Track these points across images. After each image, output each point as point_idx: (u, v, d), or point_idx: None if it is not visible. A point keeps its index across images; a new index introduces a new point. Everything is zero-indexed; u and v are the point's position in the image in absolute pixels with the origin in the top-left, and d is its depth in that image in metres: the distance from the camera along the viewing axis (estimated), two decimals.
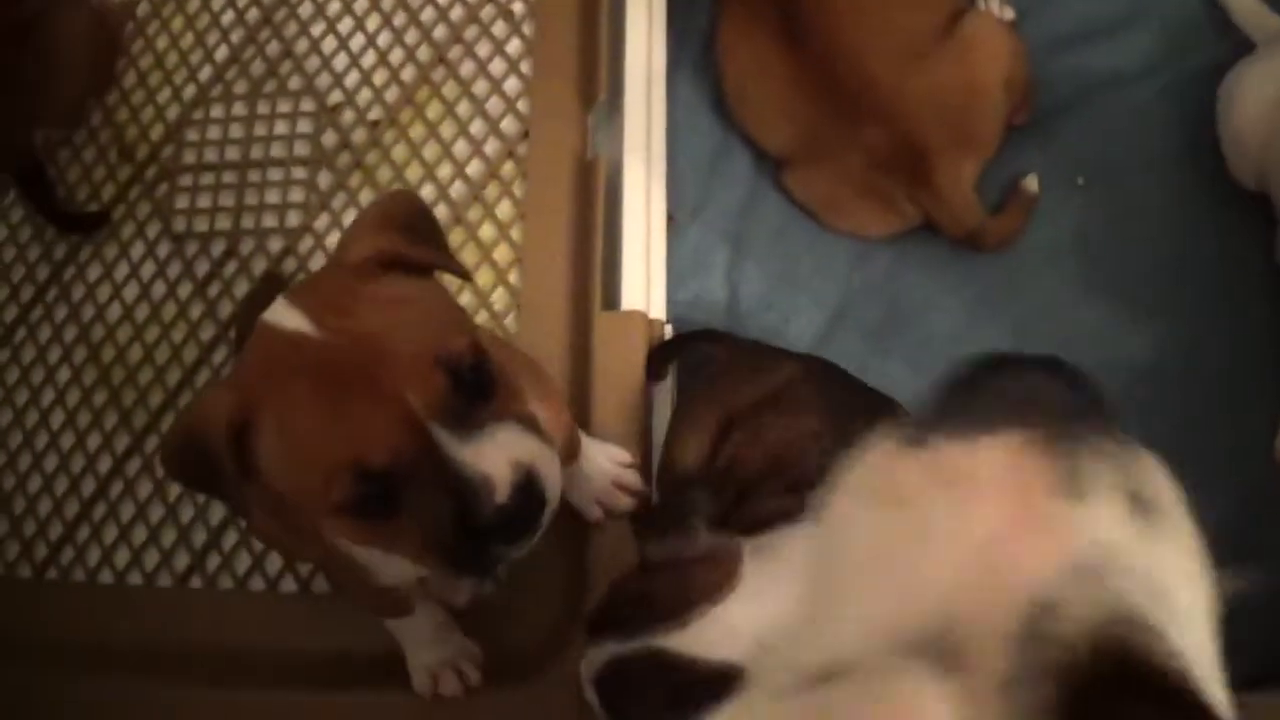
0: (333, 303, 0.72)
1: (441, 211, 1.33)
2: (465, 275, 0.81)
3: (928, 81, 1.26)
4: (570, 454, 1.04)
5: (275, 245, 1.36)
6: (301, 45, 1.43)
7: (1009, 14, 1.42)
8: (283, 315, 0.73)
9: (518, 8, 1.39)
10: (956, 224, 1.30)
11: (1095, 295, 1.33)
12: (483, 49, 1.38)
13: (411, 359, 0.69)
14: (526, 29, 1.38)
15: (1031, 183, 1.35)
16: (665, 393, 1.28)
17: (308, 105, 1.41)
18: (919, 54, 1.27)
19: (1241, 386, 1.27)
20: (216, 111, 1.44)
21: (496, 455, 0.71)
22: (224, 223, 1.39)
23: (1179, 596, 0.36)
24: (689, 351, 1.23)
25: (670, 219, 1.35)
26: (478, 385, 0.72)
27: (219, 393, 0.74)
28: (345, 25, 1.43)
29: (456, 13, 1.40)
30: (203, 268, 1.37)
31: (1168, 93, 1.38)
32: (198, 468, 0.74)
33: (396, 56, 1.40)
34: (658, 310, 1.30)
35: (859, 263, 1.35)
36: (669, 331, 1.30)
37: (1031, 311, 1.33)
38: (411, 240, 0.76)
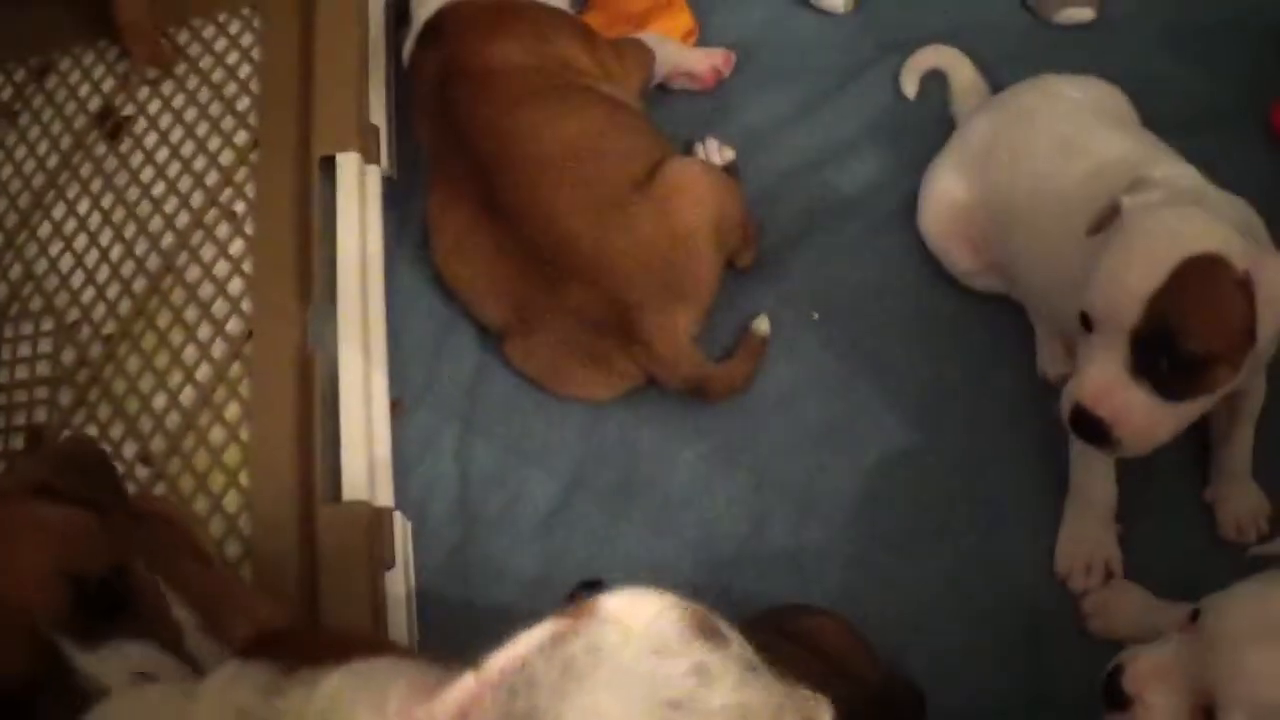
0: None
1: (173, 419, 1.33)
2: (112, 510, 0.86)
3: (628, 235, 1.23)
4: None
5: None
6: (40, 265, 1.46)
7: (728, 154, 1.41)
8: None
9: (239, 207, 1.41)
10: (676, 378, 1.27)
11: (839, 433, 1.29)
12: (207, 252, 1.40)
13: (36, 576, 0.76)
14: (249, 228, 1.39)
15: (761, 324, 1.32)
16: (398, 582, 1.26)
17: (47, 325, 1.43)
18: (618, 207, 1.24)
19: (1000, 504, 1.22)
20: None
21: (120, 667, 0.76)
22: None
23: None
24: None
25: (396, 404, 1.34)
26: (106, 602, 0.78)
27: None
28: (80, 242, 1.46)
29: (182, 219, 1.42)
30: None
31: (898, 214, 1.35)
32: None
33: (128, 269, 1.42)
34: (384, 498, 1.28)
35: (591, 427, 1.32)
36: (399, 519, 1.28)
37: (774, 455, 1.29)
38: (65, 475, 0.85)
